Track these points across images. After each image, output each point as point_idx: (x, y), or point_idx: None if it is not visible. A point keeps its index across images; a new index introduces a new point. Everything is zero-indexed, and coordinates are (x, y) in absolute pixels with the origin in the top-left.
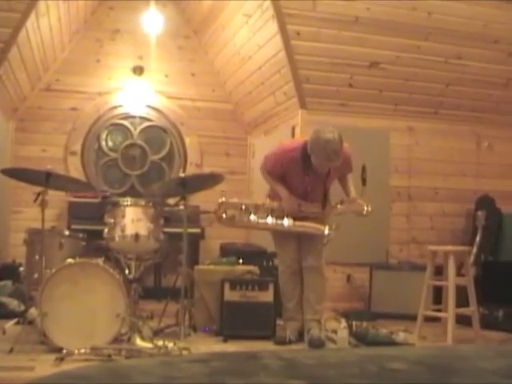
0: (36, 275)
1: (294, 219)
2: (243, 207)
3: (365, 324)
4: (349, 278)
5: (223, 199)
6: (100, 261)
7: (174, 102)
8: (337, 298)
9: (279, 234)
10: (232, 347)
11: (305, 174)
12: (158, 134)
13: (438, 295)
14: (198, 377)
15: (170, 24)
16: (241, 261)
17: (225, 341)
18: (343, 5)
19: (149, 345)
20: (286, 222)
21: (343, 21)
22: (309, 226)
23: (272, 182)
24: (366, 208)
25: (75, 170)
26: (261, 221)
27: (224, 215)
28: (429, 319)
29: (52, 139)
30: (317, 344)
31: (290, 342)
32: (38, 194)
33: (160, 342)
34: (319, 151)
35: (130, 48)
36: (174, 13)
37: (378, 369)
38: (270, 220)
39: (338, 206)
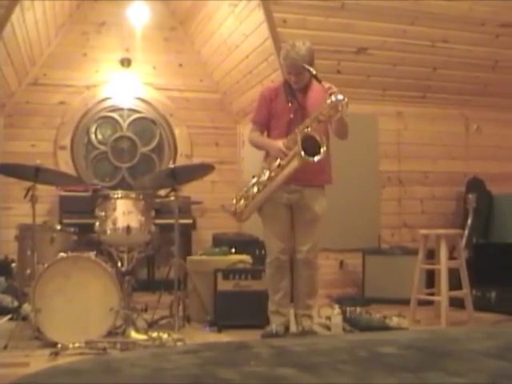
0: (28, 271)
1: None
2: (251, 184)
3: (358, 309)
4: (341, 263)
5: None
6: (92, 254)
7: (163, 94)
8: (330, 284)
9: (270, 218)
10: (226, 337)
11: (288, 101)
12: (148, 126)
13: (430, 279)
14: (189, 368)
15: (155, 16)
16: (233, 250)
17: (219, 331)
18: None
19: (143, 337)
20: (276, 163)
21: (329, 7)
22: (293, 155)
23: (258, 141)
24: (341, 97)
25: (65, 165)
26: (261, 186)
27: (238, 210)
28: (422, 303)
29: (41, 134)
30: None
31: (277, 336)
32: (28, 190)
33: (155, 334)
34: (284, 55)
35: (116, 41)
36: (159, 4)
37: (369, 354)
38: (266, 174)
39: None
